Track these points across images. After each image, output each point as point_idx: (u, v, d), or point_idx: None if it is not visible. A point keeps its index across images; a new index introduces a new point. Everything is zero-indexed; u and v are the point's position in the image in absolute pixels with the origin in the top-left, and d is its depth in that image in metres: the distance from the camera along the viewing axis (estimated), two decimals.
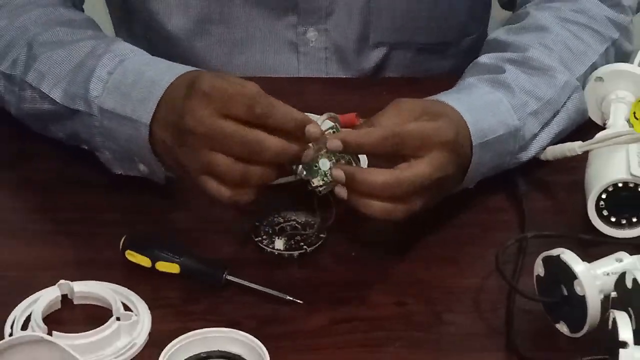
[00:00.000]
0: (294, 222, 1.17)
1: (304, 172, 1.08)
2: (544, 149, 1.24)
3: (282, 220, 1.17)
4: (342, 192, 1.07)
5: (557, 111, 1.25)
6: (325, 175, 1.07)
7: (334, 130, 1.09)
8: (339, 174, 1.06)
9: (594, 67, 1.30)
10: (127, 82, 1.15)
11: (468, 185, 1.19)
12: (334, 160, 1.08)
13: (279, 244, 1.14)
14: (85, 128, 1.19)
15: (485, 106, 1.19)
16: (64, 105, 1.20)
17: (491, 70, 1.25)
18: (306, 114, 1.08)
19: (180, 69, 1.15)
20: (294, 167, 1.08)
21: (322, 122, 1.09)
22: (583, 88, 1.28)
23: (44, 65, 1.22)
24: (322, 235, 1.15)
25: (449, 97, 1.17)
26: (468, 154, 1.15)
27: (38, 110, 1.23)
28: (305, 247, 1.14)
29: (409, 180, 1.07)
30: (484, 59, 1.28)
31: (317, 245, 1.14)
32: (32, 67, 1.22)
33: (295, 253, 1.14)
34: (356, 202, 1.07)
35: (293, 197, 1.16)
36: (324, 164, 1.07)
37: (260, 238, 1.15)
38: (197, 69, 1.15)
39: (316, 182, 1.08)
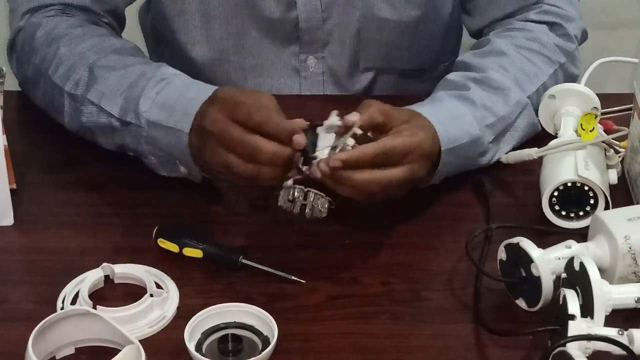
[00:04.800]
0: (308, 190, 1.10)
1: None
2: (498, 155, 1.24)
3: (298, 190, 1.10)
4: (316, 172, 1.05)
5: (509, 124, 1.24)
6: None
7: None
8: (324, 167, 1.05)
9: (544, 86, 1.29)
10: (171, 100, 1.15)
11: (435, 181, 1.19)
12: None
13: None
14: (134, 138, 1.19)
15: (453, 118, 1.18)
16: (119, 118, 1.19)
17: (458, 86, 1.25)
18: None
19: (215, 89, 1.14)
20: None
21: (332, 118, 1.09)
22: (537, 104, 1.28)
23: (103, 85, 1.21)
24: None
25: (423, 109, 1.17)
26: (437, 157, 1.15)
27: (95, 123, 1.22)
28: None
29: (383, 181, 1.08)
30: (452, 76, 1.27)
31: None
32: (93, 87, 1.22)
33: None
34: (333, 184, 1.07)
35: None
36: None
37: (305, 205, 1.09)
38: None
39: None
